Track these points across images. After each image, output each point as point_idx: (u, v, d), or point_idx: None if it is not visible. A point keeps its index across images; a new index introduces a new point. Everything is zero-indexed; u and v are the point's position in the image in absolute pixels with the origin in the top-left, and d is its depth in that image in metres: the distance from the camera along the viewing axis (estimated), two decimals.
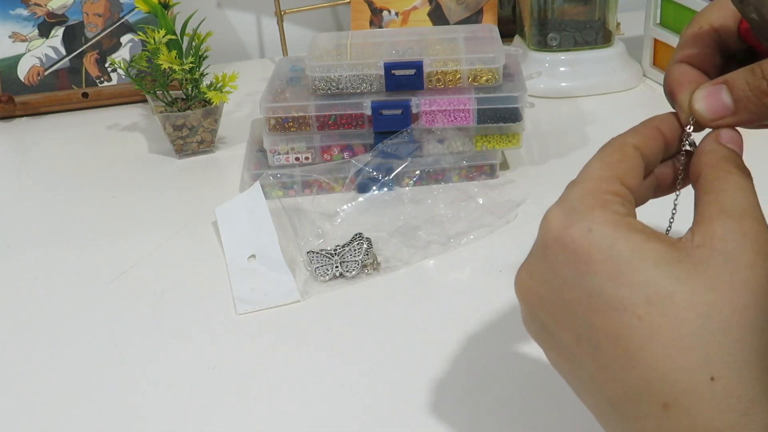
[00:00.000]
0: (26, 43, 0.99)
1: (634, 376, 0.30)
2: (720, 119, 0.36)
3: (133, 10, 1.00)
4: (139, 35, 0.89)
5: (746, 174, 0.34)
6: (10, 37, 0.99)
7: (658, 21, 0.95)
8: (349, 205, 0.71)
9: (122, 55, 1.00)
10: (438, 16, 1.04)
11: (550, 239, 0.33)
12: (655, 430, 0.30)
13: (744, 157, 0.35)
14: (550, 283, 0.33)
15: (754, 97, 0.35)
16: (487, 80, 0.73)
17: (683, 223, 0.35)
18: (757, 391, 0.29)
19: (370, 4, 1.04)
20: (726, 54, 0.38)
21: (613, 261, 0.31)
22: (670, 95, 0.38)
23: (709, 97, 0.36)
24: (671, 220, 0.38)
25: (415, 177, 0.74)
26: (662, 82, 0.39)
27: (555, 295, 0.33)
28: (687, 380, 0.29)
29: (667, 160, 0.37)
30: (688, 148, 0.37)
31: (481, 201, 0.71)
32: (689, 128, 0.37)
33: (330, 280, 0.61)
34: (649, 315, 0.30)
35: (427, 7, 1.04)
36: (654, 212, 0.38)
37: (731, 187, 0.33)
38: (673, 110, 0.38)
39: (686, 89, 0.37)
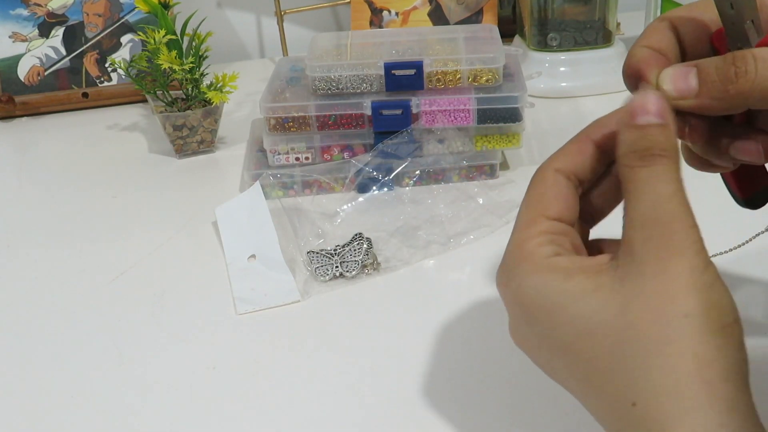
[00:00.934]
0: (26, 43, 0.99)
1: (592, 410, 0.34)
2: (683, 99, 0.36)
3: (133, 10, 1.00)
4: (139, 35, 0.89)
5: (655, 157, 0.33)
6: (10, 37, 0.99)
7: None
8: (349, 205, 0.71)
9: (122, 55, 1.01)
10: (438, 16, 1.04)
11: (501, 295, 0.36)
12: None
13: None
14: (522, 331, 0.36)
15: (718, 82, 0.35)
16: (487, 80, 0.73)
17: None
18: (677, 406, 0.30)
19: (370, 4, 1.04)
20: (684, 53, 0.39)
21: (544, 308, 0.34)
22: (636, 74, 0.38)
23: (676, 77, 0.36)
24: None
25: (415, 177, 0.74)
26: (624, 64, 0.39)
27: (527, 343, 0.36)
28: (607, 410, 0.33)
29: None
30: None
31: (481, 201, 0.71)
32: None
33: (330, 280, 0.61)
34: (582, 349, 0.33)
35: (427, 7, 1.04)
36: None
37: (639, 188, 0.33)
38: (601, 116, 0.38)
39: (653, 68, 0.38)
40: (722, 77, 0.35)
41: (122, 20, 1.00)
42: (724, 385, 0.31)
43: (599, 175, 0.38)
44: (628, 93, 0.99)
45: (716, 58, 0.35)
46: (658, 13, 0.94)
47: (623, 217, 0.34)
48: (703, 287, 0.32)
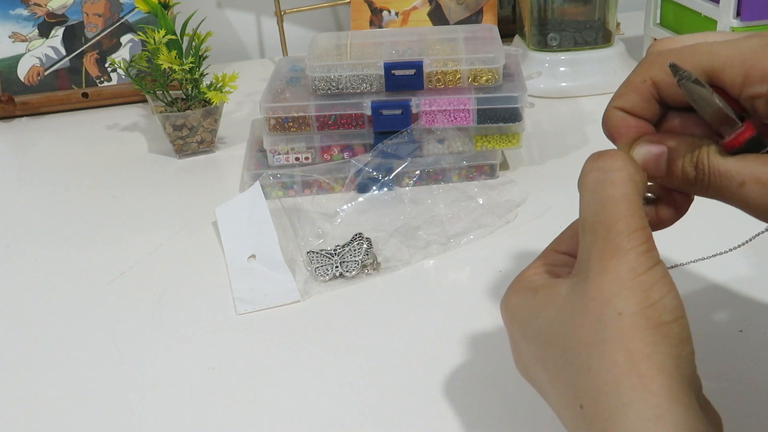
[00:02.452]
0: (26, 43, 0.99)
1: (561, 419, 0.36)
2: (653, 178, 0.38)
3: (133, 10, 1.00)
4: (139, 35, 0.89)
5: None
6: (10, 37, 0.99)
7: (658, 21, 0.95)
8: (349, 205, 0.71)
9: (122, 55, 1.01)
10: (438, 16, 1.04)
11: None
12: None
13: None
14: (516, 351, 0.39)
15: (682, 179, 0.37)
16: (487, 80, 0.73)
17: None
18: (615, 403, 0.31)
19: (370, 4, 1.04)
20: (665, 104, 0.40)
21: (518, 323, 0.38)
22: (611, 139, 0.40)
23: (648, 156, 0.38)
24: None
25: (415, 177, 0.74)
26: (602, 122, 0.40)
27: (521, 360, 0.39)
28: (567, 415, 0.34)
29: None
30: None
31: (481, 201, 0.71)
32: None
33: (330, 280, 0.61)
34: (547, 360, 0.35)
35: (427, 7, 1.04)
36: None
37: (588, 194, 0.36)
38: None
39: (626, 137, 0.39)
40: (685, 176, 0.37)
41: (122, 20, 1.00)
42: (660, 378, 0.31)
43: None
44: None
45: (687, 148, 0.37)
46: (658, 13, 0.94)
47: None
48: (641, 287, 0.33)
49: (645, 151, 0.38)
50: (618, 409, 0.31)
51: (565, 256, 0.40)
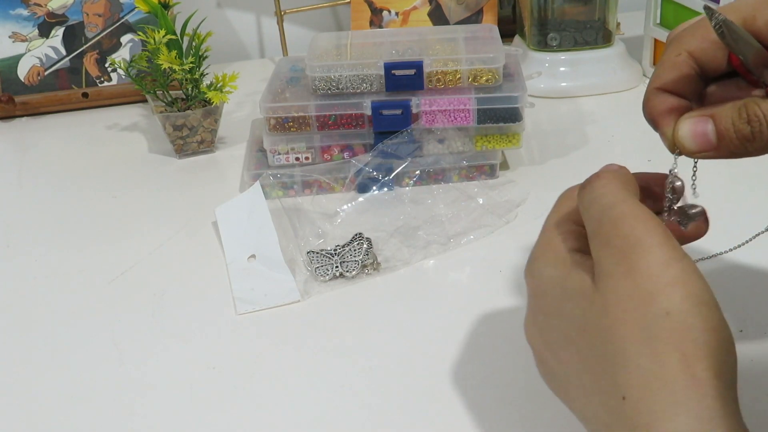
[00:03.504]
0: (26, 43, 0.99)
1: (581, 405, 0.36)
2: (702, 153, 0.37)
3: (133, 10, 1.00)
4: (139, 35, 0.89)
5: (595, 180, 0.37)
6: (10, 37, 0.99)
7: (658, 21, 0.95)
8: (349, 205, 0.71)
9: (122, 55, 1.01)
10: (438, 16, 1.04)
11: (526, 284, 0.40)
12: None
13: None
14: (536, 324, 0.39)
15: (737, 140, 0.36)
16: (487, 80, 0.73)
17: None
18: (667, 400, 0.31)
19: (370, 4, 1.04)
20: (705, 77, 0.39)
21: (549, 296, 0.37)
22: (653, 123, 0.39)
23: (695, 132, 0.37)
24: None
25: (415, 177, 0.74)
26: (642, 107, 0.40)
27: (541, 335, 0.38)
28: (597, 405, 0.34)
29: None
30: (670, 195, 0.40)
31: (481, 201, 0.71)
32: (674, 169, 0.39)
33: (330, 280, 0.61)
34: (580, 344, 0.35)
35: (427, 7, 1.04)
36: None
37: (587, 205, 0.37)
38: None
39: (668, 119, 0.38)
40: (740, 136, 0.36)
41: (122, 20, 1.00)
42: (714, 382, 0.31)
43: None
44: (627, 93, 0.99)
45: (730, 108, 0.36)
46: (658, 13, 0.94)
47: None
48: (679, 281, 0.32)
49: (690, 127, 0.37)
50: (670, 407, 0.31)
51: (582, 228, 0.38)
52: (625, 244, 0.33)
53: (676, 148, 0.38)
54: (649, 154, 0.73)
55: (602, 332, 0.33)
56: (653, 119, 0.39)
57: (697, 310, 0.32)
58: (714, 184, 0.72)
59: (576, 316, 0.35)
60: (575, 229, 0.38)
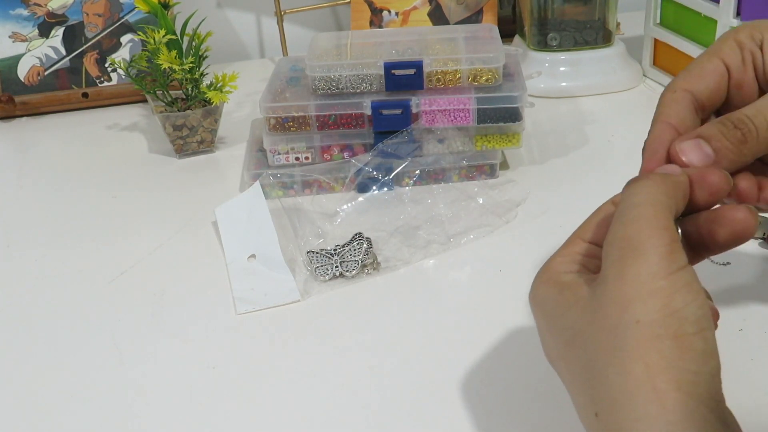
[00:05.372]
0: (26, 43, 0.99)
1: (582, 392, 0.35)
2: (707, 166, 0.38)
3: (133, 10, 1.00)
4: (139, 35, 0.89)
5: (634, 183, 0.36)
6: (10, 37, 0.99)
7: (658, 21, 0.95)
8: (349, 205, 0.71)
9: (122, 55, 1.01)
10: (438, 16, 1.04)
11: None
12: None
13: None
14: (540, 338, 0.39)
15: (732, 145, 0.37)
16: (487, 80, 0.73)
17: None
18: (629, 416, 0.30)
19: (370, 4, 1.04)
20: (703, 118, 0.41)
21: (545, 316, 0.37)
22: (653, 153, 0.40)
23: (695, 149, 0.38)
24: None
25: (415, 177, 0.74)
26: (644, 142, 0.41)
27: (547, 349, 0.38)
28: (584, 420, 0.33)
29: None
30: None
31: (481, 201, 0.71)
32: None
33: (330, 280, 0.61)
34: (571, 360, 0.34)
35: (427, 7, 1.04)
36: None
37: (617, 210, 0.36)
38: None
39: (659, 153, 0.40)
40: (733, 140, 0.37)
41: (122, 20, 1.00)
42: (676, 395, 0.30)
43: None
44: (627, 93, 0.99)
45: (712, 124, 0.38)
46: (658, 13, 0.94)
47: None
48: (662, 293, 0.31)
49: (689, 145, 0.38)
50: (631, 422, 0.30)
51: (593, 246, 0.38)
52: (626, 246, 0.32)
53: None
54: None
55: (585, 343, 0.33)
56: (654, 148, 0.40)
57: (669, 320, 0.31)
58: None
59: (566, 329, 0.35)
60: (581, 250, 0.38)
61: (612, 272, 0.33)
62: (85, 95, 1.00)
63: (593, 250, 0.38)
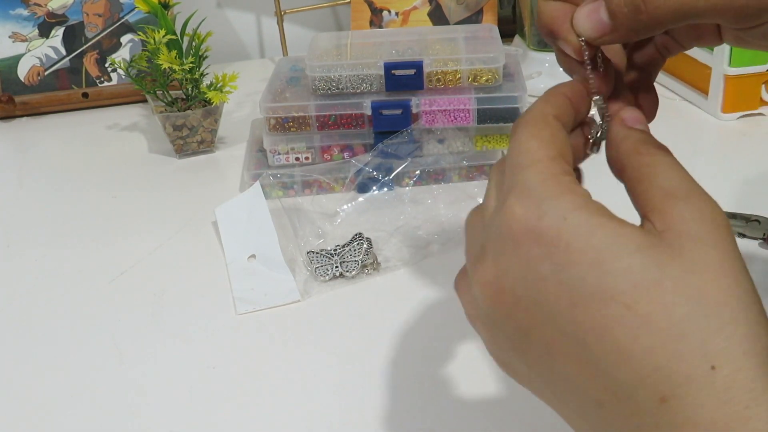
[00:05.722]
0: (26, 43, 0.99)
1: (627, 371, 0.28)
2: (602, 36, 0.35)
3: (133, 10, 1.00)
4: (139, 35, 0.89)
5: (667, 151, 0.32)
6: (10, 37, 0.99)
7: None
8: (349, 205, 0.71)
9: (122, 55, 1.01)
10: (438, 16, 1.04)
11: (520, 233, 0.30)
12: (653, 427, 0.28)
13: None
14: (526, 279, 0.30)
15: (629, 12, 0.34)
16: (487, 80, 0.73)
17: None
18: (758, 379, 0.27)
19: (370, 4, 1.04)
20: None
21: (593, 249, 0.28)
22: (550, 33, 0.37)
23: (590, 15, 0.35)
24: None
25: (415, 177, 0.74)
26: (536, 23, 0.38)
27: (533, 292, 0.30)
28: (685, 371, 0.27)
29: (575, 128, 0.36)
30: (599, 118, 0.36)
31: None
32: (586, 57, 0.36)
33: (330, 280, 0.61)
34: (638, 303, 0.28)
35: (427, 7, 1.04)
36: None
37: (663, 169, 0.31)
38: (571, 78, 0.37)
39: (566, 24, 0.36)
40: (630, 7, 0.34)
41: (122, 20, 1.00)
42: None
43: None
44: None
45: None
46: None
47: (639, 194, 0.31)
48: (743, 266, 0.29)
49: (585, 11, 0.35)
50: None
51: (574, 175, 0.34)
52: (716, 219, 0.30)
53: (584, 53, 0.36)
54: None
55: (680, 294, 0.29)
56: (550, 28, 0.37)
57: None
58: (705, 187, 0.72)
59: (633, 271, 0.29)
60: (570, 171, 0.33)
61: (709, 241, 0.29)
62: (85, 95, 1.00)
63: (574, 175, 0.33)
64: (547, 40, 0.38)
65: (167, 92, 0.84)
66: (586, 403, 0.30)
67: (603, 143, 0.36)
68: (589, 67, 0.36)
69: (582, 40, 0.36)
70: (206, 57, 0.85)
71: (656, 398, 0.28)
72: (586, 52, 0.36)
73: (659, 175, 0.31)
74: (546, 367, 0.31)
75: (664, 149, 0.32)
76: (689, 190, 0.30)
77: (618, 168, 0.33)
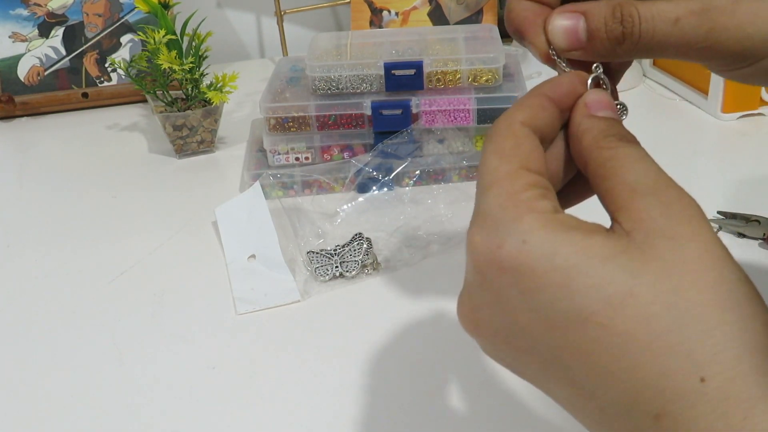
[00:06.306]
0: (26, 43, 0.99)
1: (617, 391, 0.27)
2: (574, 51, 0.34)
3: (133, 10, 1.00)
4: (139, 35, 0.89)
5: (632, 141, 0.30)
6: (10, 37, 0.99)
7: None
8: (349, 205, 0.71)
9: (122, 55, 1.01)
10: (438, 16, 1.04)
11: (483, 264, 0.29)
12: None
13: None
14: (499, 310, 0.29)
15: (607, 39, 0.33)
16: (487, 80, 0.73)
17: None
18: (755, 385, 0.25)
19: (370, 4, 1.04)
20: None
21: (558, 270, 0.27)
22: (518, 33, 0.36)
23: (566, 27, 0.34)
24: None
25: (415, 177, 0.74)
26: (505, 19, 0.37)
27: (507, 322, 0.29)
28: (673, 387, 0.26)
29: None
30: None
31: None
32: (555, 57, 0.35)
33: (330, 280, 0.61)
34: (613, 321, 0.26)
35: (427, 7, 1.04)
36: None
37: (627, 162, 0.29)
38: (557, 74, 0.35)
39: (536, 26, 0.35)
40: (611, 36, 0.33)
41: (122, 20, 1.00)
42: None
43: (555, 136, 0.33)
44: (627, 93, 0.98)
45: (605, 7, 0.33)
46: None
47: (604, 192, 0.29)
48: (728, 257, 0.28)
49: (562, 21, 0.34)
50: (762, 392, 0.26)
51: (542, 179, 0.31)
52: (687, 211, 0.28)
53: (551, 56, 0.35)
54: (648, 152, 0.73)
55: (657, 301, 0.27)
56: (519, 29, 0.36)
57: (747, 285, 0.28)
58: (700, 187, 0.72)
59: (603, 287, 0.28)
60: (535, 181, 0.32)
61: (681, 233, 0.27)
62: (85, 95, 1.00)
63: (543, 183, 0.31)
64: (514, 38, 0.37)
65: (167, 92, 0.84)
66: (586, 420, 0.29)
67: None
68: (563, 65, 0.35)
69: (551, 48, 0.35)
70: (206, 57, 0.85)
71: (651, 416, 0.26)
72: (555, 55, 0.35)
73: (624, 170, 0.29)
74: (545, 389, 0.30)
75: (629, 140, 0.30)
76: (656, 184, 0.28)
77: (581, 164, 0.31)
